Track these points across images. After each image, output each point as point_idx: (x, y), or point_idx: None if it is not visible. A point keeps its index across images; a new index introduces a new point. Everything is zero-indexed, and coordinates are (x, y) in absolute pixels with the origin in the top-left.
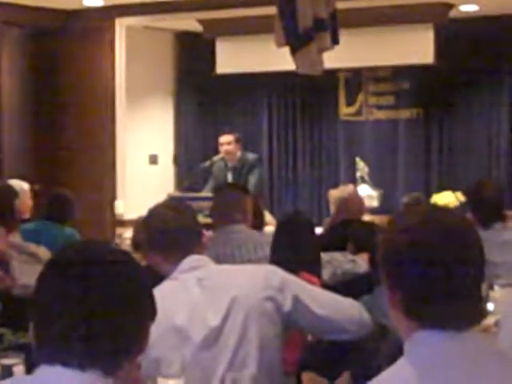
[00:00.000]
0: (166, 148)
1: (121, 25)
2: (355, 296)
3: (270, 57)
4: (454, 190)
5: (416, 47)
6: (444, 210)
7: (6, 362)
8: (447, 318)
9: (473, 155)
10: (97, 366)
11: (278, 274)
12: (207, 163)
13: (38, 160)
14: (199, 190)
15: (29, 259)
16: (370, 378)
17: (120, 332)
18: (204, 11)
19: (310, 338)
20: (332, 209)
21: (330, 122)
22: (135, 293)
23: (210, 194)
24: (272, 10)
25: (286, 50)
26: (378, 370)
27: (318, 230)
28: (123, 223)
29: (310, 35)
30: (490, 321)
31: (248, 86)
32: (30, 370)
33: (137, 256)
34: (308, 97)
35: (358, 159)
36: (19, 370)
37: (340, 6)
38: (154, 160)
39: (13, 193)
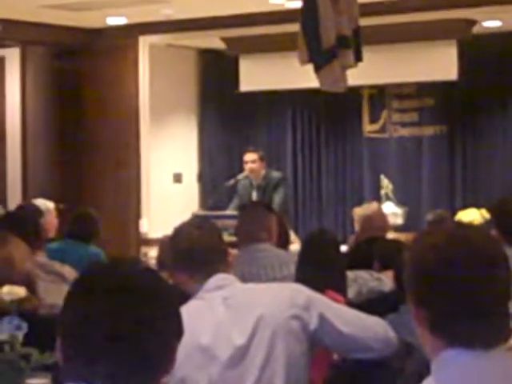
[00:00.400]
0: (190, 166)
1: (144, 43)
2: (381, 314)
3: (293, 74)
4: (478, 207)
5: (439, 64)
6: (470, 227)
7: (34, 381)
8: (474, 336)
9: (497, 172)
10: None
11: (303, 292)
12: (232, 181)
13: (63, 179)
14: (224, 209)
15: (54, 279)
16: None
17: (146, 353)
18: (227, 29)
19: (335, 356)
20: (356, 226)
21: (353, 139)
22: (164, 314)
23: (234, 212)
24: (295, 28)
25: (310, 67)
26: None
27: (343, 248)
28: (148, 242)
29: (333, 52)
30: None
31: (272, 104)
32: None
33: (162, 275)
34: (332, 114)
35: (382, 176)
36: None
37: (363, 22)
38: (178, 178)
39: (38, 212)
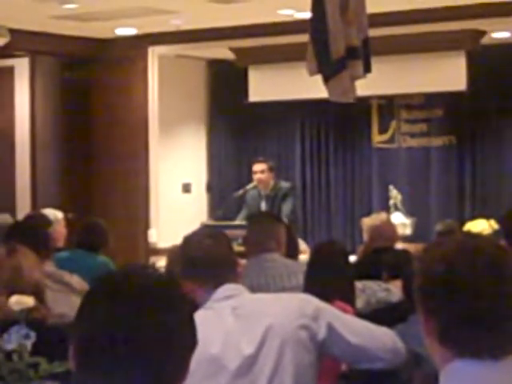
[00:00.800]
0: (199, 176)
1: (153, 53)
2: (389, 324)
3: (302, 85)
4: (487, 217)
5: (448, 74)
6: (479, 237)
7: None
8: (483, 347)
9: (506, 182)
10: None
11: (312, 302)
12: (240, 192)
13: (72, 189)
14: (232, 219)
15: (63, 288)
16: None
17: (163, 364)
18: (236, 39)
19: (344, 367)
20: (365, 237)
21: (362, 149)
22: (181, 323)
23: (243, 223)
24: (304, 38)
25: (319, 77)
26: None
27: (352, 258)
28: (157, 252)
29: (342, 63)
30: None
31: (281, 114)
32: None
33: None
34: (341, 124)
35: (390, 187)
36: None
37: (372, 33)
38: (187, 188)
39: (46, 221)
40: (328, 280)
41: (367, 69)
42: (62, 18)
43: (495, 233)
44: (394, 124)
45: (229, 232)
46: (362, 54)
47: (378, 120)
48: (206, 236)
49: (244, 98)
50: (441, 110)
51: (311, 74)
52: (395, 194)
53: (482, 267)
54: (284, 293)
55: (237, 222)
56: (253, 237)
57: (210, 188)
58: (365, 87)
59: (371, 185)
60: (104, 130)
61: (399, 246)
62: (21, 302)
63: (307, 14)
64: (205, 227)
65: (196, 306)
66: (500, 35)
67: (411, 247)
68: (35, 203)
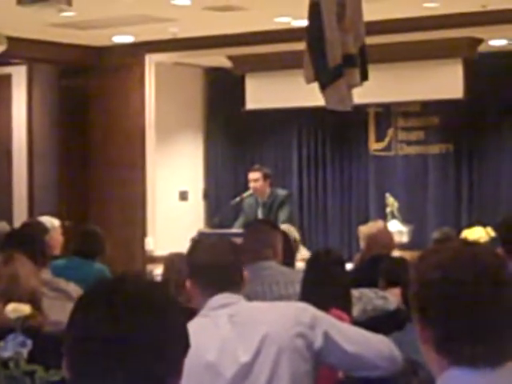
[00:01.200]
0: (195, 184)
1: (150, 61)
2: (386, 332)
3: (299, 92)
4: (484, 225)
5: (445, 82)
6: (476, 245)
7: None
8: (479, 355)
9: (503, 190)
10: None
11: (308, 310)
12: (237, 199)
13: (69, 196)
14: (229, 227)
15: (59, 296)
16: None
17: (155, 369)
18: (233, 47)
19: (340, 374)
20: (362, 244)
21: (359, 157)
22: (171, 327)
23: (240, 230)
24: (301, 46)
25: (316, 85)
26: None
27: (348, 266)
28: (153, 260)
29: (339, 71)
30: None
31: (277, 122)
32: None
33: None
34: (337, 132)
35: (387, 195)
36: None
37: (369, 41)
38: (184, 196)
39: (43, 229)
40: (324, 288)
41: (364, 77)
42: (60, 25)
43: (492, 240)
44: (390, 132)
45: None
46: (359, 62)
47: (375, 128)
48: (214, 244)
49: (241, 105)
50: (438, 117)
51: (308, 81)
52: (392, 202)
53: (478, 275)
54: (281, 301)
55: (234, 230)
56: (249, 245)
57: (206, 196)
58: (362, 95)
59: (368, 192)
60: (101, 138)
61: (396, 253)
62: (17, 309)
63: (304, 22)
64: (214, 235)
65: (191, 314)
66: (497, 43)
67: (408, 255)
68: (32, 211)
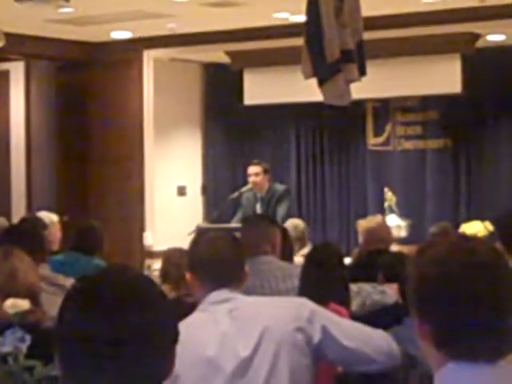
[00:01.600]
0: (194, 179)
1: (148, 57)
2: (384, 327)
3: (297, 88)
4: (482, 219)
5: (444, 77)
6: (474, 240)
7: None
8: (477, 350)
9: (501, 185)
10: None
11: (307, 305)
12: (236, 194)
13: (67, 192)
14: (228, 221)
15: (58, 291)
16: None
17: (146, 361)
18: (231, 43)
19: (339, 369)
20: (360, 239)
21: (357, 152)
22: (159, 318)
23: (238, 225)
24: (299, 41)
25: (314, 80)
26: None
27: (347, 260)
28: (152, 255)
29: (337, 66)
30: None
31: (276, 117)
32: None
33: (165, 288)
34: (336, 127)
35: (386, 189)
36: None
37: (367, 36)
38: (182, 191)
39: (41, 224)
40: (323, 282)
41: (362, 72)
42: (58, 21)
43: (490, 235)
44: (389, 127)
45: None
46: (357, 57)
47: (374, 123)
48: (218, 239)
49: (239, 101)
50: (436, 112)
51: (306, 77)
52: (390, 197)
53: (474, 270)
54: (279, 295)
55: (232, 225)
56: (247, 239)
57: (205, 191)
58: (360, 90)
59: (366, 187)
60: (99, 133)
61: (394, 248)
62: (16, 305)
63: (302, 18)
64: (218, 230)
65: (190, 309)
66: (495, 38)
67: (406, 249)
68: (30, 206)
